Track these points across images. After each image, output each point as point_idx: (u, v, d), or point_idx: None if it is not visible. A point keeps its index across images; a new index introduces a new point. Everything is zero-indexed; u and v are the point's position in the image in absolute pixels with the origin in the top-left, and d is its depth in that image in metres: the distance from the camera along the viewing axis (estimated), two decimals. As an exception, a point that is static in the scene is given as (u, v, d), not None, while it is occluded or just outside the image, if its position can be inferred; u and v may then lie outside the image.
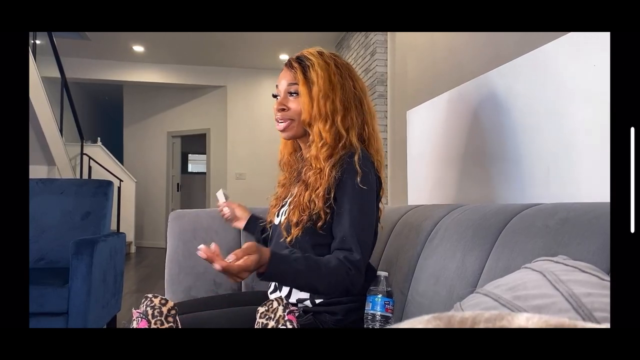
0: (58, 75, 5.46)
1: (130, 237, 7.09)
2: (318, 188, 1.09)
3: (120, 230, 6.41)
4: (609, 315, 0.54)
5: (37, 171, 4.96)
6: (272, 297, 1.19)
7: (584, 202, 0.91)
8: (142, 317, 0.96)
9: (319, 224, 1.10)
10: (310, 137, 1.15)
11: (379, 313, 1.08)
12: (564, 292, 0.58)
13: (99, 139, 7.17)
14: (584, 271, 0.63)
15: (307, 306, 1.12)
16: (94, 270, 2.16)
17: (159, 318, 0.96)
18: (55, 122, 5.01)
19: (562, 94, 1.14)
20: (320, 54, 1.17)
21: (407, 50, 4.17)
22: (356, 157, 1.08)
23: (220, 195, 1.57)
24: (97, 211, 2.68)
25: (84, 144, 6.19)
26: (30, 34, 5.01)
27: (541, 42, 1.21)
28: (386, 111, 4.57)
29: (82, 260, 2.13)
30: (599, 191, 1.01)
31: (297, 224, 1.11)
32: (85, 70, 7.00)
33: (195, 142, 8.88)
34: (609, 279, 0.61)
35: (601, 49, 1.01)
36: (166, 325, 0.97)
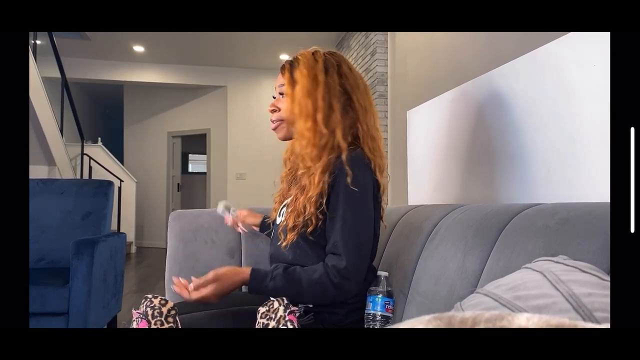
0: (58, 75, 5.46)
1: (130, 237, 7.09)
2: (310, 192, 1.08)
3: (121, 231, 6.42)
4: (609, 316, 0.54)
5: (37, 171, 4.96)
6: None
7: (585, 202, 0.91)
8: (142, 318, 0.96)
9: (310, 229, 1.09)
10: (295, 136, 1.16)
11: (379, 313, 1.08)
12: (565, 292, 0.58)
13: (99, 139, 7.17)
14: (584, 271, 0.63)
15: (307, 306, 1.12)
16: (94, 271, 2.16)
17: (159, 318, 0.96)
18: (56, 122, 5.01)
19: (563, 94, 1.14)
20: (314, 53, 1.17)
21: (407, 50, 4.17)
22: (344, 158, 1.06)
23: (222, 211, 1.57)
24: (98, 211, 2.68)
25: (85, 144, 6.18)
26: (31, 34, 5.01)
27: (541, 42, 1.21)
28: (386, 111, 4.57)
29: (83, 261, 2.13)
30: (600, 191, 1.01)
31: (292, 229, 1.11)
32: (85, 70, 7.00)
33: (195, 142, 8.89)
34: (609, 279, 0.61)
35: (601, 49, 1.01)
36: (166, 326, 0.97)
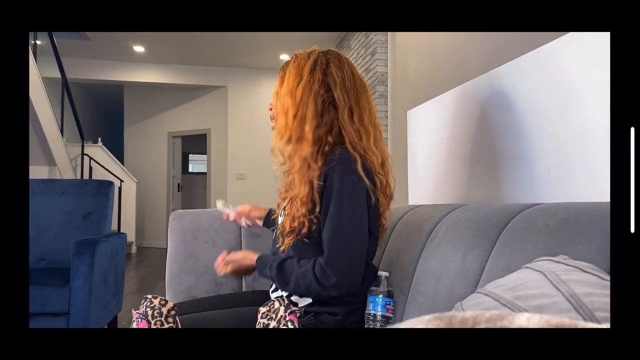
0: (59, 75, 5.46)
1: (131, 237, 7.09)
2: (297, 194, 1.10)
3: (121, 231, 6.42)
4: (609, 315, 0.54)
5: (38, 172, 4.96)
6: (273, 296, 1.20)
7: (585, 202, 0.90)
8: (142, 318, 0.96)
9: (304, 232, 1.10)
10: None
11: (379, 313, 1.08)
12: (565, 292, 0.58)
13: (99, 139, 7.17)
14: (584, 271, 0.63)
15: (308, 306, 1.12)
16: (95, 271, 2.16)
17: (158, 319, 0.96)
18: (56, 122, 5.01)
19: (563, 94, 1.14)
20: (310, 52, 1.18)
21: (407, 50, 4.17)
22: (328, 157, 1.08)
23: (222, 207, 1.57)
24: (98, 211, 2.68)
25: (85, 144, 6.18)
26: (31, 34, 5.02)
27: (542, 42, 1.21)
28: (386, 111, 4.57)
29: (83, 261, 2.13)
30: (600, 191, 1.01)
31: (289, 233, 1.13)
32: (85, 70, 7.00)
33: (195, 142, 8.88)
34: (609, 278, 0.61)
35: (601, 49, 1.01)
36: (166, 326, 0.97)
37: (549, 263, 0.68)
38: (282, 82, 1.18)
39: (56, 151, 5.04)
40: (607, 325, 0.41)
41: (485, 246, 0.97)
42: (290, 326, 0.94)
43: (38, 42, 5.55)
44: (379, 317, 1.07)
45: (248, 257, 1.26)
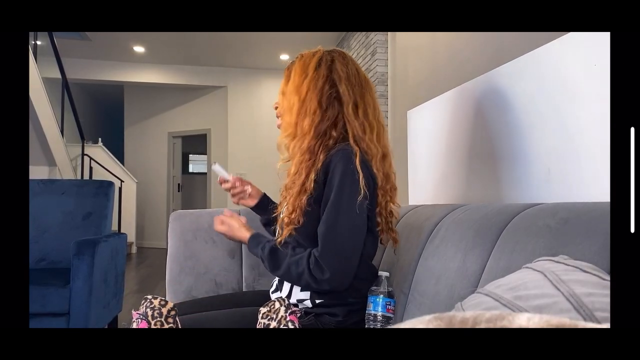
0: (59, 75, 5.46)
1: (131, 237, 7.09)
2: (298, 186, 1.11)
3: (121, 231, 6.42)
4: (609, 315, 0.54)
5: (38, 172, 4.96)
6: (273, 296, 1.20)
7: (585, 202, 0.90)
8: (142, 319, 0.96)
9: (301, 222, 1.10)
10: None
11: (380, 313, 1.07)
12: (565, 292, 0.58)
13: (99, 139, 7.17)
14: (585, 271, 0.62)
15: (307, 306, 1.12)
16: (95, 271, 2.16)
17: (159, 319, 0.96)
18: (56, 122, 5.01)
19: (563, 94, 1.14)
20: (315, 52, 1.19)
21: (407, 50, 4.17)
22: (329, 152, 1.09)
23: (219, 169, 1.46)
24: (98, 212, 2.69)
25: (85, 144, 6.19)
26: (31, 34, 5.02)
27: (541, 42, 1.21)
28: (387, 111, 4.57)
29: (84, 261, 2.13)
30: (600, 191, 1.01)
31: (288, 224, 1.13)
32: (86, 70, 7.00)
33: (195, 143, 8.89)
34: (610, 278, 0.61)
35: (601, 49, 1.01)
36: (166, 326, 0.97)
37: (549, 263, 0.68)
38: (287, 80, 1.20)
39: (56, 151, 5.04)
40: (607, 325, 0.41)
41: (486, 246, 0.97)
42: (291, 326, 0.94)
43: (38, 42, 5.55)
44: (379, 318, 1.07)
45: (243, 230, 1.26)
